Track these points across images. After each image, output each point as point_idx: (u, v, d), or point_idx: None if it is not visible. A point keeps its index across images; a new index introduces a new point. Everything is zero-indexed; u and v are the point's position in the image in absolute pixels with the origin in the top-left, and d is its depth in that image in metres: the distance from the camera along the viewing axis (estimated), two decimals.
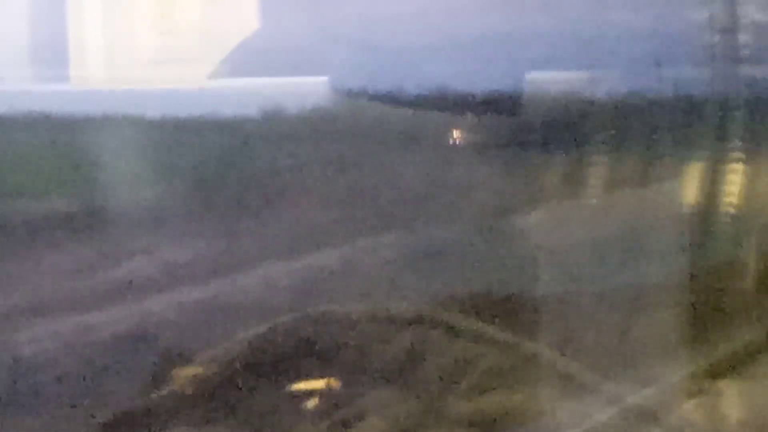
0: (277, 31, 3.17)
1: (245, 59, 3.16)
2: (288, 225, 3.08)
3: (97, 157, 3.12)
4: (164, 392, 2.58)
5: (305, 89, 3.28)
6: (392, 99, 3.27)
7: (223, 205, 3.14)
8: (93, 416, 2.60)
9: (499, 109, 3.28)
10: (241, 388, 2.59)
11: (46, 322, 2.75)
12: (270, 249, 3.05)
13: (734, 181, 3.16)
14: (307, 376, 2.63)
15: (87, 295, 2.83)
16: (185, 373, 2.60)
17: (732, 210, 3.16)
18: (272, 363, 2.65)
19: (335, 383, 2.63)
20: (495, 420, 2.63)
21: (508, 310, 2.89)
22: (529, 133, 3.30)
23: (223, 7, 3.33)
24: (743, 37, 3.20)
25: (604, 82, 3.30)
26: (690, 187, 3.19)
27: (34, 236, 2.87)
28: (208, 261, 3.02)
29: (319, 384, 2.63)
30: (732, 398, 2.80)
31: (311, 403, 2.61)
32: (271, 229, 3.08)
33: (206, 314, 2.88)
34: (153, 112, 3.15)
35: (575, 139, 3.26)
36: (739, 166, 3.16)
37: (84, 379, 2.68)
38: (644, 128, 3.23)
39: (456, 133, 3.30)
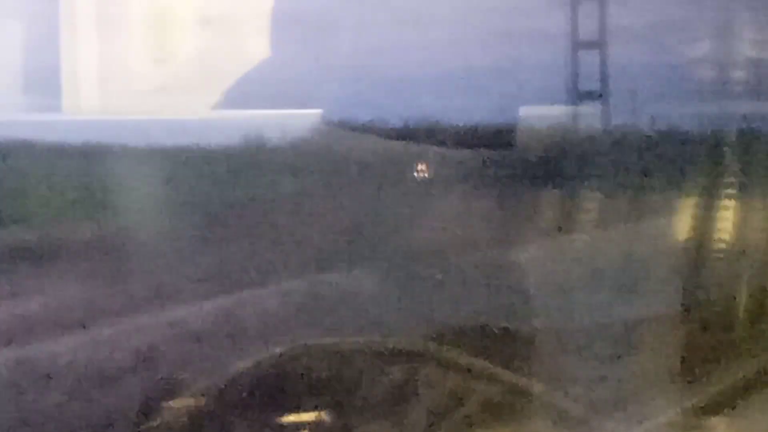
0: (273, 63, 3.17)
1: (241, 90, 3.16)
2: (280, 252, 3.08)
3: (88, 188, 3.11)
4: (155, 424, 2.56)
5: (298, 122, 3.28)
6: (385, 132, 3.27)
7: (213, 232, 3.13)
8: None
9: (492, 142, 3.28)
10: (231, 421, 2.58)
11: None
12: (264, 274, 3.05)
13: (727, 218, 3.16)
14: (298, 409, 2.62)
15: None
16: (176, 404, 2.58)
17: (724, 246, 3.16)
18: (262, 395, 2.63)
19: (327, 416, 2.61)
20: None
21: (501, 344, 2.88)
22: (522, 166, 3.30)
23: (218, 37, 3.33)
24: (737, 73, 3.21)
25: (597, 117, 3.31)
26: (682, 223, 3.19)
27: (28, 263, 2.87)
28: (195, 285, 3.02)
29: (310, 417, 2.61)
30: None
31: None
32: (265, 255, 3.07)
33: (191, 343, 2.88)
34: (146, 141, 3.15)
35: (568, 174, 3.26)
36: (731, 203, 3.16)
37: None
38: (637, 163, 3.24)
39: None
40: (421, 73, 3.14)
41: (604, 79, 3.44)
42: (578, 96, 3.43)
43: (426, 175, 3.25)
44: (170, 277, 2.98)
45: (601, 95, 3.43)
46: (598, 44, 3.44)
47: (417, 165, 3.25)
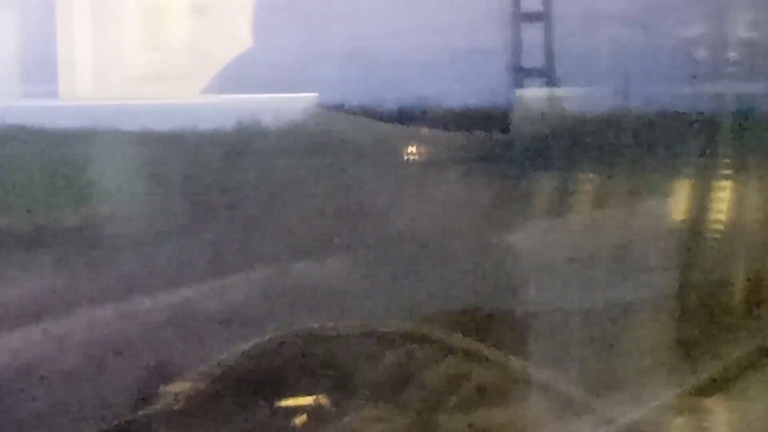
0: (266, 49, 3.17)
1: (235, 76, 3.16)
2: (277, 236, 3.08)
3: (83, 172, 3.12)
4: (151, 408, 2.56)
5: (293, 106, 3.28)
6: (380, 115, 3.27)
7: (209, 216, 3.14)
8: None
9: (488, 125, 3.28)
10: (228, 405, 2.58)
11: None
12: (258, 257, 3.05)
13: (723, 199, 3.16)
14: (296, 393, 2.62)
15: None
16: (172, 389, 2.58)
17: (720, 227, 3.16)
18: (260, 379, 2.63)
19: (324, 400, 2.62)
20: None
21: (498, 327, 2.89)
22: (518, 149, 3.30)
23: (211, 24, 3.33)
24: (732, 54, 3.21)
25: (592, 99, 3.30)
26: (678, 205, 3.19)
27: (26, 247, 2.88)
28: (191, 268, 3.03)
29: (307, 401, 2.61)
30: (721, 416, 2.79)
31: (300, 419, 2.59)
32: (261, 240, 3.07)
33: (186, 325, 2.88)
34: (140, 127, 3.15)
35: (563, 156, 3.26)
36: (727, 184, 3.16)
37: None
38: (632, 145, 3.24)
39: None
40: (415, 55, 3.13)
41: (549, 55, 3.31)
42: (521, 74, 3.28)
43: (416, 157, 3.25)
44: (162, 261, 2.99)
45: (546, 73, 3.29)
46: (543, 16, 3.30)
47: (408, 148, 3.25)
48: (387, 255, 3.14)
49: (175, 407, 2.55)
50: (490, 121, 3.25)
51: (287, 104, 3.22)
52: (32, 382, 2.68)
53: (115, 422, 2.56)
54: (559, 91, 3.33)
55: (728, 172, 3.14)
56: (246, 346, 2.67)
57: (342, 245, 3.08)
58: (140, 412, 2.55)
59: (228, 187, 3.15)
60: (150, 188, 3.06)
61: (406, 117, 3.22)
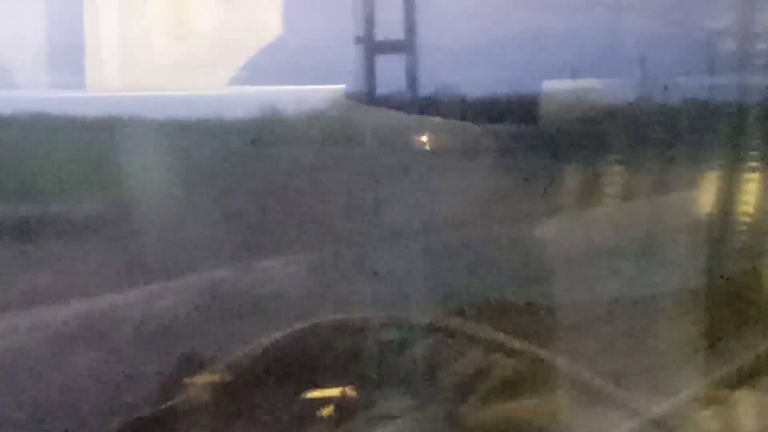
0: (294, 37, 3.17)
1: (262, 65, 3.16)
2: (306, 225, 3.09)
3: (110, 160, 3.13)
4: (179, 400, 2.57)
5: (320, 96, 3.28)
6: (408, 106, 3.27)
7: (236, 207, 3.14)
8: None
9: (516, 116, 3.27)
10: (256, 396, 2.58)
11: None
12: (287, 245, 3.06)
13: (750, 190, 3.15)
14: (323, 384, 2.62)
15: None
16: (200, 380, 2.59)
17: (748, 218, 3.15)
18: (287, 371, 2.63)
19: (351, 391, 2.62)
20: (511, 429, 2.62)
21: (524, 318, 2.89)
22: (546, 140, 3.30)
23: (239, 12, 3.32)
24: (760, 46, 3.19)
25: (621, 91, 3.29)
26: (706, 196, 3.18)
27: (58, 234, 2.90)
28: (222, 254, 3.04)
29: (334, 392, 2.61)
30: (749, 408, 2.78)
31: (326, 410, 2.60)
32: (288, 228, 3.08)
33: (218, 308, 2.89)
34: (167, 116, 3.16)
35: (591, 147, 3.25)
36: (755, 175, 3.15)
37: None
38: (661, 136, 3.23)
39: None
40: (444, 44, 3.10)
41: (410, 27, 2.94)
42: (374, 47, 2.93)
43: (428, 146, 3.23)
44: (190, 246, 3.01)
45: (404, 47, 2.92)
46: None
47: (421, 136, 3.23)
48: (413, 246, 3.14)
49: (203, 398, 2.56)
50: (516, 112, 3.24)
51: (315, 96, 3.22)
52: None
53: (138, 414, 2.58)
54: (590, 83, 3.32)
55: (756, 164, 3.13)
56: (274, 337, 2.67)
57: (364, 236, 3.08)
58: (166, 404, 2.56)
59: (253, 177, 3.15)
60: (173, 177, 3.07)
61: (437, 109, 3.19)
